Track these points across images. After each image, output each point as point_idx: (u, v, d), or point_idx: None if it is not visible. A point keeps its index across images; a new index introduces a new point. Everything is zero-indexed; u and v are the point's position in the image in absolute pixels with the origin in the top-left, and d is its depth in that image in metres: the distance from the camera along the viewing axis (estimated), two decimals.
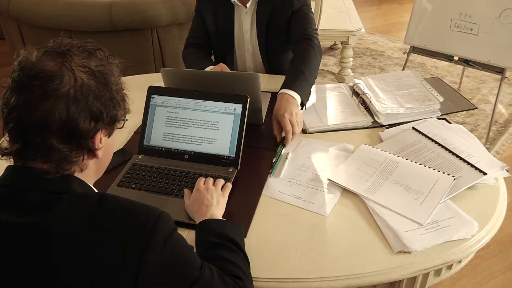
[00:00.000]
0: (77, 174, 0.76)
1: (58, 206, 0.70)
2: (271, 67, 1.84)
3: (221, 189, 1.12)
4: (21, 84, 0.70)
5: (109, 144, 0.82)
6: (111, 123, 0.78)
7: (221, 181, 1.14)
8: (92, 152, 0.77)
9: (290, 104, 1.40)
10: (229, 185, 1.14)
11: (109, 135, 0.80)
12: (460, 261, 1.07)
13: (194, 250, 0.90)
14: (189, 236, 1.03)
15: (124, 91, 0.81)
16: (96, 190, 0.81)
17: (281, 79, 1.68)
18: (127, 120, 0.85)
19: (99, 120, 0.74)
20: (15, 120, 0.70)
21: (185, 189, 1.13)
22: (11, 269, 0.68)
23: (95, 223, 0.69)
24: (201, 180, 1.13)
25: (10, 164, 0.75)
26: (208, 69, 1.65)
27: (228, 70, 1.63)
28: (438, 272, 1.07)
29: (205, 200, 1.05)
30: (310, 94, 1.54)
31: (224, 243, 0.92)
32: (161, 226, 0.72)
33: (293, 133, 1.36)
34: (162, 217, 0.73)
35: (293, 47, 1.71)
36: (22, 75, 0.70)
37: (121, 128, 0.84)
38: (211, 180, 1.13)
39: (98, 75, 0.73)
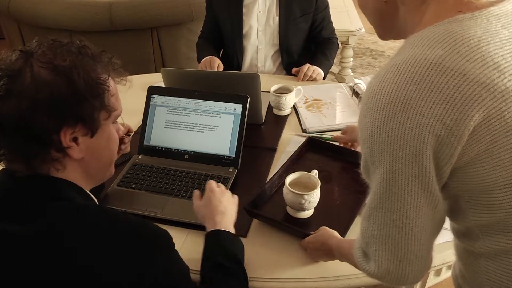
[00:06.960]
0: (56, 175, 0.73)
1: (50, 217, 0.68)
2: (285, 47, 1.89)
3: None
4: None
5: (95, 145, 0.76)
6: (79, 121, 0.71)
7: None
8: (63, 152, 0.72)
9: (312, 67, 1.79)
10: (236, 197, 1.06)
11: (90, 134, 0.74)
12: None
13: (200, 255, 0.89)
14: (189, 236, 1.03)
15: (106, 87, 0.74)
16: (94, 197, 0.80)
17: (281, 79, 1.67)
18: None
19: (60, 117, 0.69)
20: None
21: (195, 191, 1.05)
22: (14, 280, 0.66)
23: (91, 238, 0.67)
24: (213, 182, 1.03)
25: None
26: (202, 61, 1.85)
27: (219, 62, 1.80)
28: (438, 272, 1.07)
29: (221, 206, 0.97)
30: (328, 70, 1.90)
31: (232, 269, 0.88)
32: (160, 244, 0.71)
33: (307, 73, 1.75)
34: (160, 235, 0.72)
35: (316, 43, 1.97)
36: None
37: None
38: (222, 185, 1.05)
39: (61, 70, 0.69)
